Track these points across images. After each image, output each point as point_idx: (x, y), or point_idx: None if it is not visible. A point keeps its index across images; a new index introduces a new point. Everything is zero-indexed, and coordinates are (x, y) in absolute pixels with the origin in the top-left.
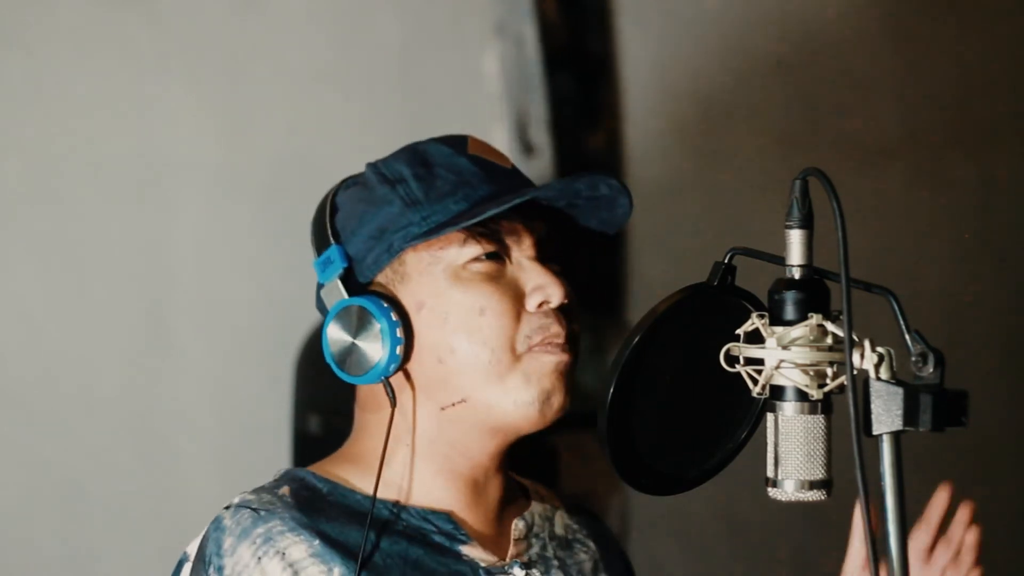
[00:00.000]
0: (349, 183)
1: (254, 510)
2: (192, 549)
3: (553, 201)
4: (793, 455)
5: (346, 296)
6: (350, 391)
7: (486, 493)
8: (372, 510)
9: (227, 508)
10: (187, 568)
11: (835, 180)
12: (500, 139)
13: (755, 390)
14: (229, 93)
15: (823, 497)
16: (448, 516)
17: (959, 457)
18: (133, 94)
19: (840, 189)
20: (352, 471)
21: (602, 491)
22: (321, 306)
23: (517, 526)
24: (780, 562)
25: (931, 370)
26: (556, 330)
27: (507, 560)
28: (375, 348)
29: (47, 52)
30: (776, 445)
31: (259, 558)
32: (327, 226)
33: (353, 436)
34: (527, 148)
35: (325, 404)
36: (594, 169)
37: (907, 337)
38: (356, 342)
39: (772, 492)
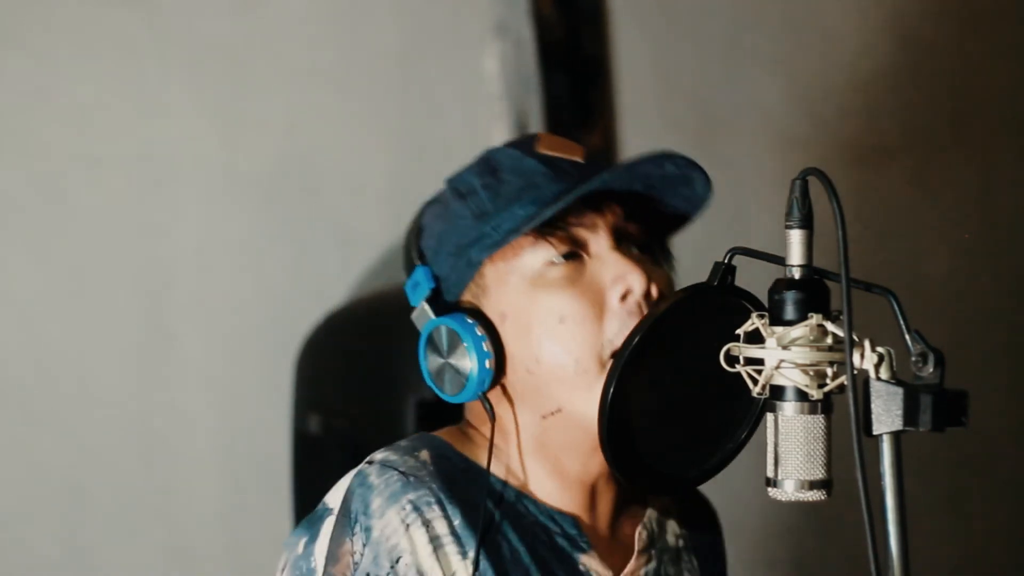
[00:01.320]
0: (434, 200)
1: (402, 473)
2: (334, 501)
3: (627, 186)
4: (793, 455)
5: (433, 316)
6: (352, 391)
7: (602, 499)
8: (483, 506)
9: (369, 463)
10: (329, 521)
11: (835, 180)
12: (500, 139)
13: (755, 390)
14: (229, 93)
15: (823, 497)
16: (575, 520)
17: (959, 457)
18: (133, 94)
19: (840, 189)
20: (481, 453)
21: None
22: (417, 330)
23: (640, 536)
24: (780, 562)
25: (931, 370)
26: (639, 316)
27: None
28: (466, 365)
29: (47, 52)
30: (776, 445)
31: (408, 525)
32: (413, 249)
33: (471, 423)
34: None
35: (325, 404)
36: None
37: (907, 337)
38: (448, 361)
39: (772, 492)
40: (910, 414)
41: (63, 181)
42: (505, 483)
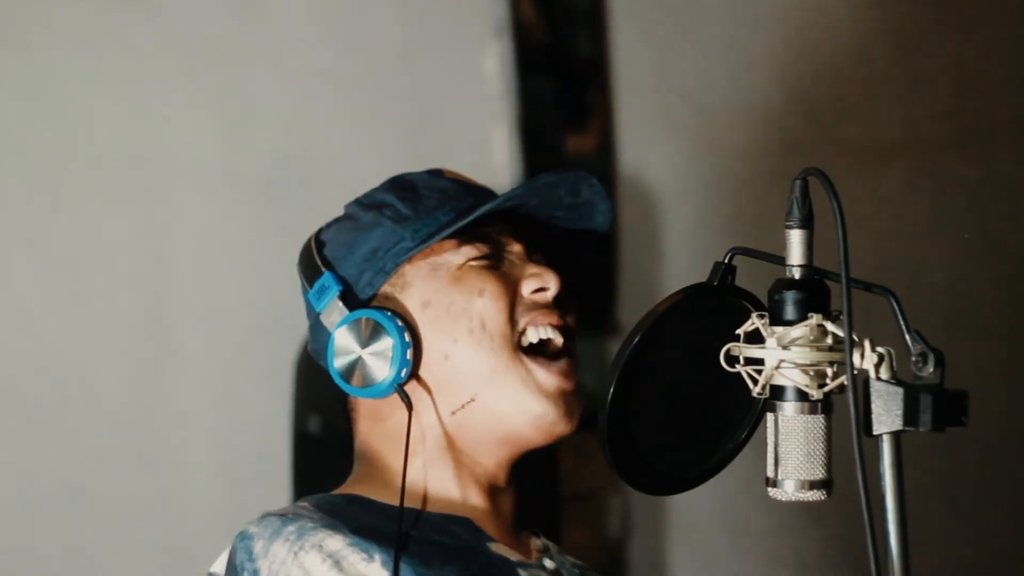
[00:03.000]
0: (330, 223)
1: (280, 515)
2: (219, 567)
3: (536, 211)
4: (793, 455)
5: (348, 312)
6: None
7: (501, 505)
8: (403, 486)
9: (248, 524)
10: None
11: (835, 180)
12: (500, 139)
13: (755, 390)
14: (229, 93)
15: (823, 497)
16: (468, 521)
17: (959, 457)
18: (133, 94)
19: (840, 189)
20: (368, 487)
21: (602, 491)
22: (317, 345)
23: (535, 541)
24: (780, 562)
25: (931, 370)
26: (547, 312)
27: (534, 557)
28: (385, 356)
29: (47, 52)
30: (776, 445)
31: (295, 553)
32: (316, 259)
33: (360, 458)
34: (527, 148)
35: (325, 404)
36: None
37: (907, 337)
38: (364, 354)
39: (772, 492)
40: (910, 414)
41: (63, 181)
42: (399, 508)
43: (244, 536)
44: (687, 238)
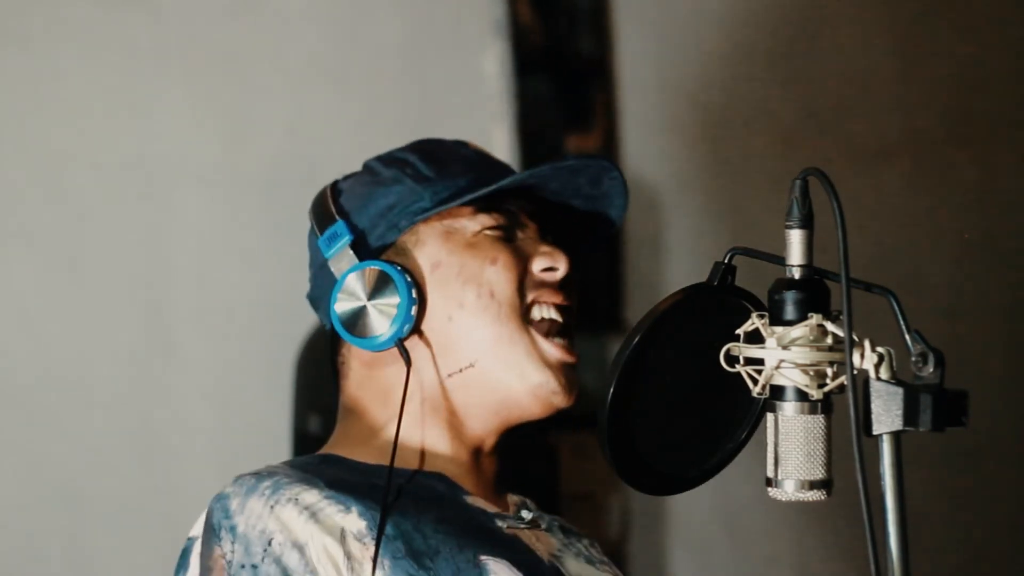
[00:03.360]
0: (349, 175)
1: (255, 474)
2: (197, 529)
3: (554, 196)
4: (793, 455)
5: (358, 261)
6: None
7: (483, 466)
8: (396, 440)
9: (223, 488)
10: (196, 547)
11: (835, 180)
12: (500, 139)
13: (755, 390)
14: (229, 93)
15: (823, 497)
16: (441, 475)
17: (959, 457)
18: (133, 94)
19: (840, 189)
20: (346, 447)
21: (602, 491)
22: (318, 292)
23: (512, 499)
24: (780, 561)
25: (931, 370)
26: (553, 291)
27: (511, 510)
28: (390, 308)
29: (48, 52)
30: (776, 445)
31: (271, 507)
32: (331, 206)
33: (346, 414)
34: (527, 148)
35: (325, 404)
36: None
37: (907, 337)
38: (369, 304)
39: (772, 492)
40: (910, 414)
41: (63, 181)
42: (390, 463)
43: (220, 497)
44: (687, 238)
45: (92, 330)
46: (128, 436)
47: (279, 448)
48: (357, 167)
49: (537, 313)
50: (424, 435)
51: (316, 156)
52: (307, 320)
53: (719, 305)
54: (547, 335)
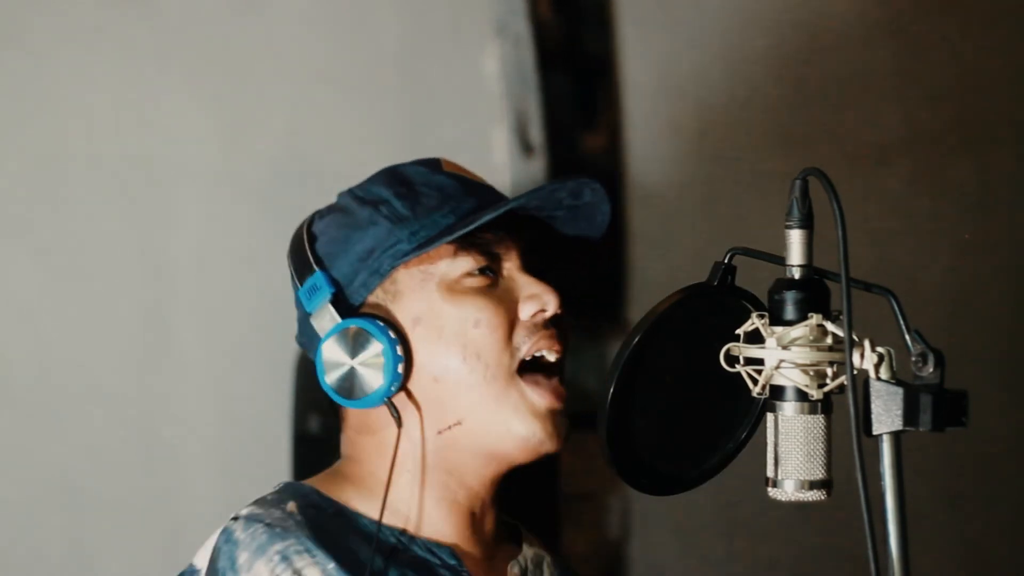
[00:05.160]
0: (323, 212)
1: (268, 524)
2: (201, 562)
3: (536, 211)
4: (793, 455)
5: (339, 319)
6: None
7: (483, 527)
8: (377, 538)
9: (235, 520)
10: None
11: (835, 180)
12: (500, 139)
13: (755, 390)
14: (229, 93)
15: (823, 497)
16: (452, 550)
17: (959, 457)
18: (133, 94)
19: (840, 189)
20: (354, 494)
21: (602, 491)
22: (305, 339)
23: (512, 571)
24: (780, 562)
25: (931, 370)
26: (547, 337)
27: None
28: (376, 369)
29: (47, 52)
30: (776, 445)
31: None
32: (308, 254)
33: (349, 458)
34: (527, 148)
35: (325, 404)
36: (589, 171)
37: (907, 337)
38: (355, 365)
39: (772, 492)
40: (910, 414)
41: (63, 181)
42: (380, 525)
43: (229, 538)
44: (687, 238)
45: (92, 330)
46: (128, 436)
47: (279, 448)
48: (357, 167)
49: (527, 352)
50: (426, 495)
51: (316, 156)
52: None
53: (719, 305)
54: (536, 382)
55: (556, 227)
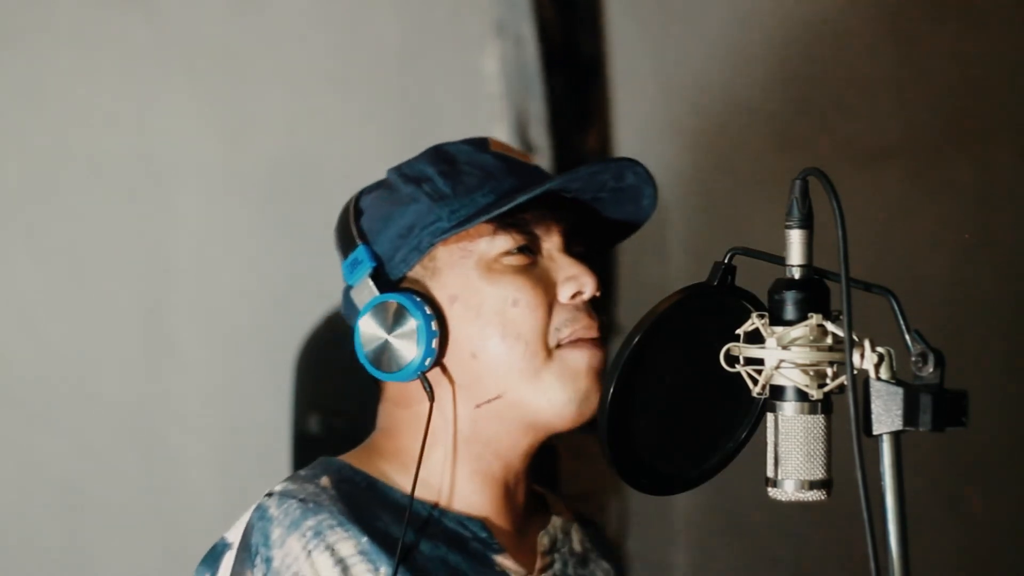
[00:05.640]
0: (372, 187)
1: (301, 500)
2: (234, 536)
3: (579, 193)
4: (793, 455)
5: (377, 293)
6: (352, 391)
7: (515, 499)
8: (409, 511)
9: (269, 496)
10: (228, 556)
11: (835, 180)
12: (500, 139)
13: (755, 390)
14: (229, 93)
15: (823, 497)
16: (483, 523)
17: (959, 457)
18: (133, 94)
19: (840, 189)
20: (389, 466)
21: (602, 491)
22: (349, 310)
23: (542, 541)
24: (780, 562)
25: (931, 370)
26: (587, 322)
27: (535, 573)
28: (410, 343)
29: (47, 52)
30: (776, 445)
31: (309, 551)
32: (352, 228)
33: (384, 431)
34: (527, 148)
35: (325, 404)
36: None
37: (907, 337)
38: (390, 339)
39: (772, 492)
40: (910, 414)
41: (63, 181)
42: (413, 499)
43: (264, 514)
44: (686, 238)
45: (92, 330)
46: (128, 436)
47: (279, 448)
48: (357, 167)
49: (567, 338)
50: (460, 469)
51: (316, 156)
52: (307, 320)
53: (719, 305)
54: (576, 345)
55: (601, 210)
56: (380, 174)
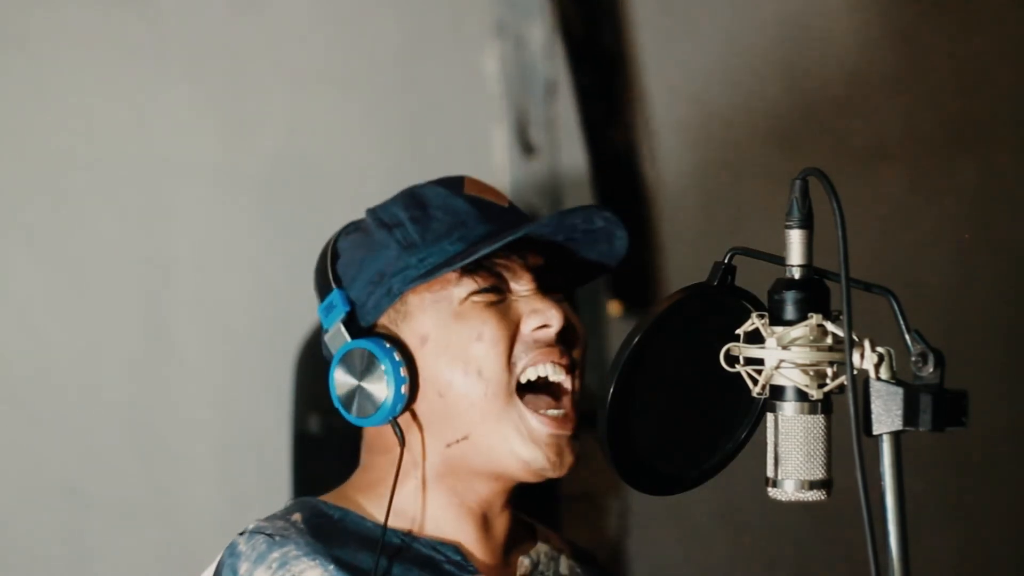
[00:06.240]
0: (350, 228)
1: (268, 535)
2: (207, 575)
3: (550, 236)
4: (793, 455)
5: (348, 339)
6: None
7: (494, 529)
8: (383, 537)
9: (241, 534)
10: None
11: (835, 180)
12: (500, 139)
13: (755, 390)
14: (229, 93)
15: (823, 497)
16: (456, 547)
17: (959, 457)
18: (133, 94)
19: (840, 189)
20: (363, 499)
21: (602, 491)
22: (326, 352)
23: (523, 563)
24: (780, 562)
25: (931, 370)
26: (548, 349)
27: None
28: (380, 389)
29: (47, 52)
30: (776, 445)
31: None
32: (328, 272)
33: (363, 468)
34: (527, 148)
35: (325, 404)
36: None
37: (907, 337)
38: (362, 384)
39: (772, 492)
40: (910, 414)
41: (63, 181)
42: (386, 528)
43: (233, 551)
44: (686, 238)
45: (92, 330)
46: (128, 436)
47: (279, 448)
48: (357, 167)
49: (532, 373)
50: (433, 502)
51: (316, 156)
52: (307, 320)
53: (719, 305)
54: (537, 407)
55: (576, 251)
56: (380, 174)
